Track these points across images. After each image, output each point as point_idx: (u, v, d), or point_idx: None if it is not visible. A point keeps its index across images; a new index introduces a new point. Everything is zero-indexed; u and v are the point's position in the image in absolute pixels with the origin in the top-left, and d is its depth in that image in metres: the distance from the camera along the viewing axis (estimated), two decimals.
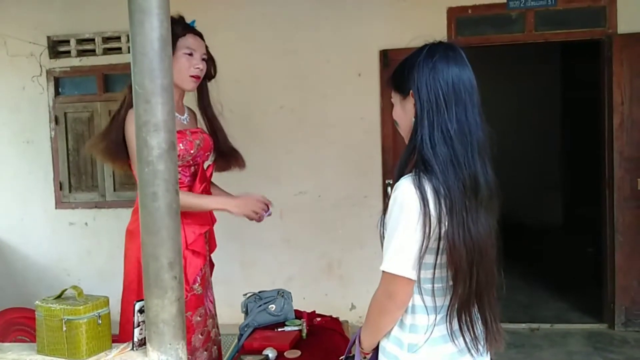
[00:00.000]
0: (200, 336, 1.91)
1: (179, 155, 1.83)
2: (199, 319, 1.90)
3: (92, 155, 1.93)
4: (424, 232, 1.12)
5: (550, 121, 6.54)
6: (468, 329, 1.19)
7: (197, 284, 1.90)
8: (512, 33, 3.64)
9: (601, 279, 3.72)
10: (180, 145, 1.82)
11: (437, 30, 3.59)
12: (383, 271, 1.17)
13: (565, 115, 6.50)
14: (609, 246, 3.59)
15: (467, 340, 1.20)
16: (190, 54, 1.84)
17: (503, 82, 6.01)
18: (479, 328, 1.22)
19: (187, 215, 1.82)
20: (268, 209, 1.92)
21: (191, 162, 1.91)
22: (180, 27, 1.83)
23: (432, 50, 1.20)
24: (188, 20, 1.90)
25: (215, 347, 2.03)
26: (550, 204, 6.47)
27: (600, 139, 3.66)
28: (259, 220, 1.92)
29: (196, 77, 1.87)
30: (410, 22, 3.66)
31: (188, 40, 1.84)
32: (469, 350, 1.21)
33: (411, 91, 1.19)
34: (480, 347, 1.22)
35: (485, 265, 1.18)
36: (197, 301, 1.89)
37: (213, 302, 2.04)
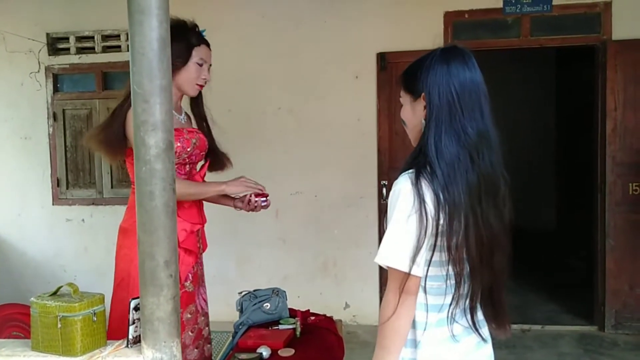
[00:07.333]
0: (190, 333, 1.93)
1: (175, 153, 1.85)
2: (189, 316, 1.93)
3: (89, 146, 1.95)
4: (420, 227, 1.10)
5: (544, 126, 6.58)
6: (475, 329, 1.20)
7: (189, 282, 1.92)
8: (508, 38, 3.68)
9: (592, 282, 3.76)
10: (178, 142, 1.85)
11: (434, 34, 3.62)
12: (390, 270, 1.14)
13: (560, 120, 6.53)
14: (600, 250, 3.63)
15: (473, 340, 1.21)
16: (201, 65, 1.89)
17: (498, 87, 6.02)
18: (480, 320, 1.22)
19: (179, 214, 1.83)
20: (263, 193, 1.98)
21: (187, 160, 1.93)
22: (195, 37, 1.88)
23: (446, 53, 1.18)
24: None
25: (208, 345, 2.05)
26: (544, 207, 6.51)
27: (594, 144, 3.70)
28: (255, 208, 1.97)
29: (201, 86, 1.94)
30: (408, 26, 3.69)
31: (202, 51, 1.89)
32: (475, 348, 1.22)
33: (423, 94, 1.18)
34: (485, 338, 1.23)
35: (495, 264, 1.17)
36: (188, 299, 1.92)
37: (205, 300, 2.06)
